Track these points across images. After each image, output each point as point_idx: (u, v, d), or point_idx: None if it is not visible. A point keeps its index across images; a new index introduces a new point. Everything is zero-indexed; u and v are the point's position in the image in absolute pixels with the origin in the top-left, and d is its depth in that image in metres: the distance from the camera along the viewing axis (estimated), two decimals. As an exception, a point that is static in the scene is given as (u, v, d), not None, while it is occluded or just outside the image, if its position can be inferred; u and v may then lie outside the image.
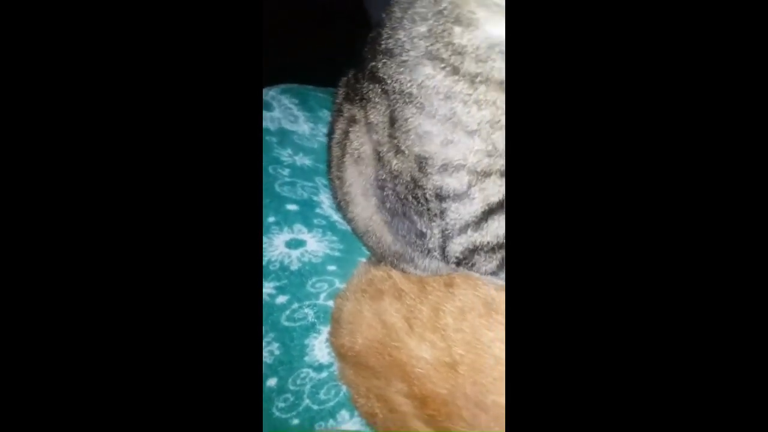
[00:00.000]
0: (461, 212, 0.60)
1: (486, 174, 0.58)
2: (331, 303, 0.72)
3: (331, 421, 0.69)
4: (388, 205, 0.64)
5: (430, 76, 0.56)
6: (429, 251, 0.65)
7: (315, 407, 0.69)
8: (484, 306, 0.64)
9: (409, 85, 0.57)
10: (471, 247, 0.61)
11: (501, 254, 0.62)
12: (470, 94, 0.55)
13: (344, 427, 0.69)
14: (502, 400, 0.60)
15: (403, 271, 0.70)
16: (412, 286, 0.68)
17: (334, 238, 0.77)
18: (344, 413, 0.69)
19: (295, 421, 0.68)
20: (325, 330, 0.71)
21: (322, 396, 0.70)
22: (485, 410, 0.60)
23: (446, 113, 0.56)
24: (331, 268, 0.74)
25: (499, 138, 0.56)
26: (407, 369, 0.64)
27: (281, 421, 0.68)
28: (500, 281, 0.65)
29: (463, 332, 0.63)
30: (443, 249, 0.63)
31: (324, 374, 0.71)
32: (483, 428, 0.60)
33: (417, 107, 0.57)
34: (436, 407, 0.62)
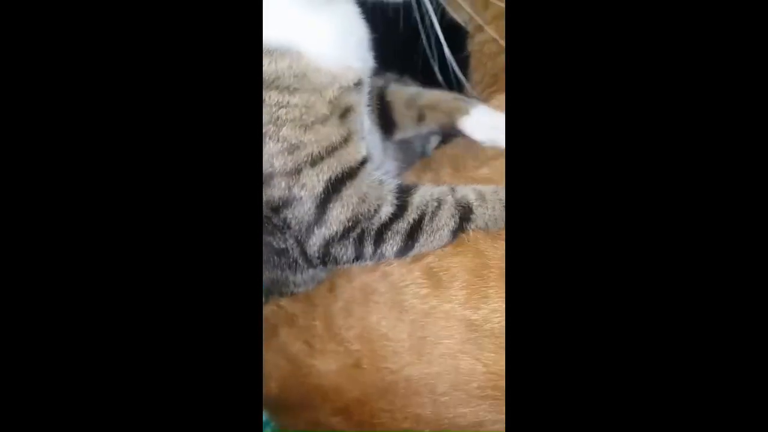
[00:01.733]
0: (298, 215, 0.59)
1: (297, 171, 0.57)
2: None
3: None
4: None
5: None
6: (297, 264, 0.64)
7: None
8: (362, 293, 0.62)
9: None
10: (323, 242, 0.60)
11: (355, 234, 0.60)
12: None
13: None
14: (413, 371, 0.58)
15: (290, 294, 0.69)
16: (301, 305, 0.66)
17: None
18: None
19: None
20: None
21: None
22: (396, 393, 0.58)
23: None
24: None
25: (289, 131, 0.56)
26: (322, 388, 0.62)
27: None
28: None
29: (353, 328, 0.61)
30: (305, 255, 0.62)
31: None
32: (404, 410, 0.58)
33: None
34: (357, 411, 0.60)
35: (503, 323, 0.54)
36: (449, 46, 0.64)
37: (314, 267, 0.64)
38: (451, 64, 0.64)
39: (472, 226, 0.59)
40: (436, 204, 0.60)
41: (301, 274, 0.66)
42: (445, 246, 0.59)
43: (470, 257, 0.58)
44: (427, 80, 0.72)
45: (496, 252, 0.58)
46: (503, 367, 0.54)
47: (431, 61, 0.63)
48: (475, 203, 0.60)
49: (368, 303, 0.61)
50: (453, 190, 0.61)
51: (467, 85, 0.73)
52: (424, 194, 0.60)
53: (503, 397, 0.56)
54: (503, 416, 0.56)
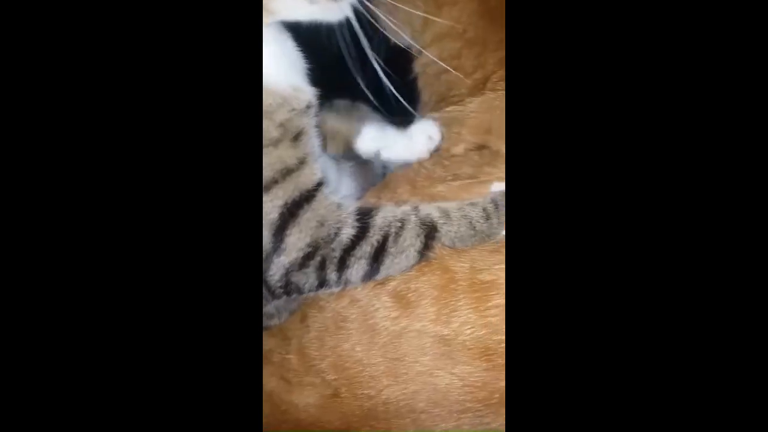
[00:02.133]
0: None
1: None
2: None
3: None
4: None
5: None
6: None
7: None
8: (333, 321, 0.61)
9: None
10: (283, 271, 0.59)
11: (316, 261, 0.60)
12: None
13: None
14: (391, 393, 0.58)
15: (265, 329, 0.68)
16: (274, 339, 0.66)
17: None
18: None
19: None
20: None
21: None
22: (377, 417, 0.58)
23: None
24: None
25: None
26: (303, 423, 0.61)
27: None
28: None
29: (327, 357, 0.61)
30: (267, 286, 0.62)
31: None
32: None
33: None
34: (340, 441, 0.59)
35: (475, 335, 0.55)
36: (396, 70, 0.66)
37: (278, 298, 0.63)
38: (389, 89, 0.65)
39: (438, 244, 0.59)
40: (399, 224, 0.59)
41: (268, 304, 0.65)
42: (411, 267, 0.59)
43: (438, 274, 0.59)
44: (384, 104, 0.73)
45: (462, 266, 0.58)
46: (480, 379, 0.55)
47: (382, 86, 0.64)
48: (439, 221, 0.59)
49: (340, 331, 0.61)
50: (416, 209, 0.61)
51: (408, 107, 0.73)
52: (386, 215, 0.60)
53: (484, 408, 0.57)
54: (487, 426, 0.56)
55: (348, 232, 0.59)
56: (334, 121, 0.75)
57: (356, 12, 0.60)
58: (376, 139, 0.72)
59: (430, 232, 0.59)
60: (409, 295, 0.59)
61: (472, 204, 0.61)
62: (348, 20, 0.59)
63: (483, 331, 0.54)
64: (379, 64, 0.62)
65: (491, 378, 0.54)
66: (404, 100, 0.70)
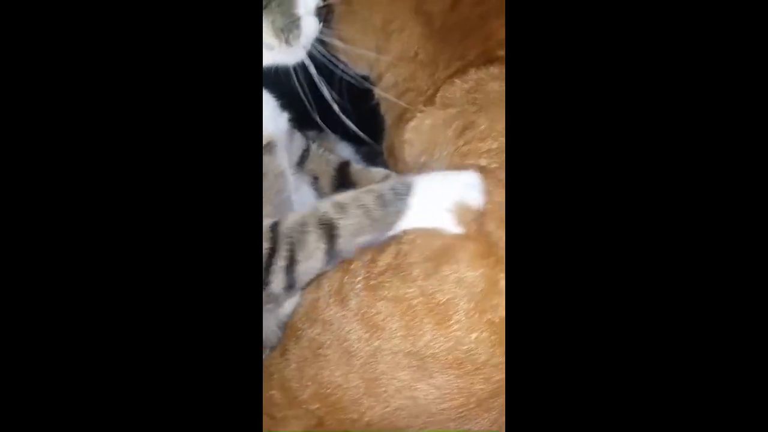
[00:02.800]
0: None
1: None
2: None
3: None
4: None
5: None
6: None
7: None
8: (310, 350, 0.63)
9: None
10: None
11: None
12: None
13: None
14: (374, 414, 0.59)
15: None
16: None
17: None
18: None
19: None
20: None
21: None
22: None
23: None
24: None
25: None
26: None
27: None
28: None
29: (308, 387, 0.62)
30: None
31: None
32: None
33: None
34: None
35: (442, 347, 0.56)
36: (358, 98, 0.68)
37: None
38: (345, 121, 0.67)
39: (341, 241, 0.58)
40: (300, 230, 0.58)
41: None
42: (327, 267, 0.59)
43: (393, 302, 0.59)
44: (344, 132, 0.76)
45: (413, 291, 0.59)
46: (457, 386, 0.57)
47: (343, 116, 0.67)
48: (335, 217, 0.58)
49: (318, 358, 0.62)
50: (316, 209, 0.60)
51: (366, 138, 0.76)
52: (289, 223, 0.59)
53: (468, 413, 0.58)
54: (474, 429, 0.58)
55: (265, 246, 0.58)
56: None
57: (311, 55, 0.62)
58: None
59: (330, 230, 0.58)
60: (375, 317, 0.60)
61: (369, 190, 0.60)
62: (303, 63, 0.61)
63: (450, 344, 0.56)
64: (336, 101, 0.64)
65: (465, 384, 0.56)
66: (368, 126, 0.72)
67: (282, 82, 0.65)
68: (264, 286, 0.58)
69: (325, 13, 0.63)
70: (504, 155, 0.60)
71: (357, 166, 0.78)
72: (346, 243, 0.58)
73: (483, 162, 0.62)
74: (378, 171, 0.76)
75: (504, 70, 0.68)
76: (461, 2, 0.75)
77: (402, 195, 0.59)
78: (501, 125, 0.63)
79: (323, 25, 0.62)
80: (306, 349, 0.63)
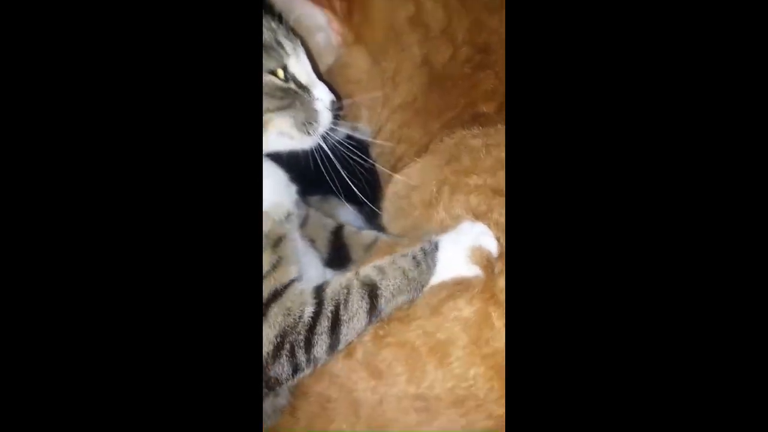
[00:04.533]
0: None
1: None
2: None
3: None
4: None
5: None
6: None
7: None
8: (318, 405, 0.63)
9: None
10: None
11: (286, 349, 0.61)
12: None
13: None
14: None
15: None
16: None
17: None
18: None
19: None
20: None
21: None
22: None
23: None
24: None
25: None
26: None
27: None
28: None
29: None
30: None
31: None
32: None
33: None
34: None
35: (447, 386, 0.57)
36: (358, 156, 0.73)
37: (264, 396, 0.65)
38: (351, 185, 0.73)
39: (382, 301, 0.62)
40: (345, 291, 0.62)
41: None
42: (366, 327, 0.61)
43: (397, 347, 0.61)
44: (348, 194, 0.80)
45: (415, 335, 0.60)
46: (461, 426, 0.56)
47: (347, 180, 0.72)
48: (377, 278, 0.63)
49: (326, 412, 0.62)
50: (357, 273, 0.64)
51: (371, 206, 0.80)
52: (334, 285, 0.63)
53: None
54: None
55: (309, 311, 0.61)
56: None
57: (324, 138, 0.69)
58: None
59: (372, 290, 0.62)
60: (380, 365, 0.61)
61: (403, 255, 0.65)
62: (319, 145, 0.68)
63: (451, 383, 0.57)
64: (348, 177, 0.71)
65: (467, 423, 0.55)
66: (367, 189, 0.77)
67: (294, 161, 0.72)
68: (305, 352, 0.61)
69: (336, 108, 0.70)
70: (490, 192, 0.63)
71: (350, 229, 0.84)
72: (386, 302, 0.62)
73: (473, 200, 0.65)
74: (368, 233, 0.82)
75: (484, 130, 0.73)
76: (458, 53, 0.81)
77: (431, 253, 0.64)
78: (487, 163, 0.66)
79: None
80: (314, 404, 0.64)
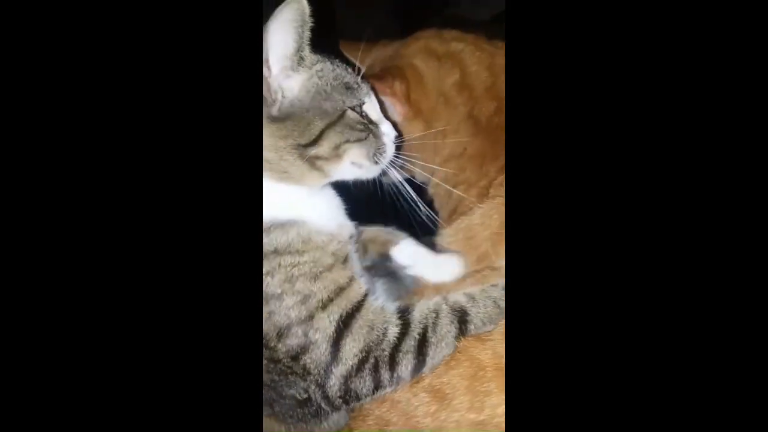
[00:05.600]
0: (315, 358, 0.63)
1: (309, 317, 0.63)
2: None
3: None
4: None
5: None
6: (321, 410, 0.66)
7: None
8: (377, 427, 0.64)
9: None
10: (342, 380, 0.63)
11: (370, 364, 0.63)
12: (267, 272, 0.63)
13: None
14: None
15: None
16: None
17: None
18: None
19: None
20: None
21: None
22: None
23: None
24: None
25: (301, 284, 0.64)
26: None
27: None
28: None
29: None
30: (328, 398, 0.65)
31: None
32: None
33: None
34: None
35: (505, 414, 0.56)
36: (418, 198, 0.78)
37: (338, 409, 0.66)
38: (428, 212, 0.77)
39: (471, 327, 0.63)
40: (434, 315, 0.64)
41: (326, 421, 0.68)
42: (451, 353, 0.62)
43: (466, 366, 0.62)
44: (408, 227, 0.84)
45: (487, 353, 0.61)
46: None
47: (408, 213, 0.77)
48: (467, 305, 0.65)
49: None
50: (445, 298, 0.66)
51: (438, 220, 0.84)
52: (422, 308, 0.65)
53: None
54: None
55: (393, 330, 0.63)
56: (371, 232, 0.84)
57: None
58: (410, 255, 0.80)
59: (462, 316, 0.64)
60: (444, 388, 0.61)
61: (494, 285, 0.66)
62: (384, 172, 0.73)
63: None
64: (417, 202, 0.76)
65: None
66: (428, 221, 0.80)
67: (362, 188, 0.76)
68: (389, 369, 0.63)
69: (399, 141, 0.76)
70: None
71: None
72: (476, 329, 0.64)
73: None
74: None
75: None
76: (502, 108, 0.85)
77: None
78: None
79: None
80: (373, 427, 0.64)
